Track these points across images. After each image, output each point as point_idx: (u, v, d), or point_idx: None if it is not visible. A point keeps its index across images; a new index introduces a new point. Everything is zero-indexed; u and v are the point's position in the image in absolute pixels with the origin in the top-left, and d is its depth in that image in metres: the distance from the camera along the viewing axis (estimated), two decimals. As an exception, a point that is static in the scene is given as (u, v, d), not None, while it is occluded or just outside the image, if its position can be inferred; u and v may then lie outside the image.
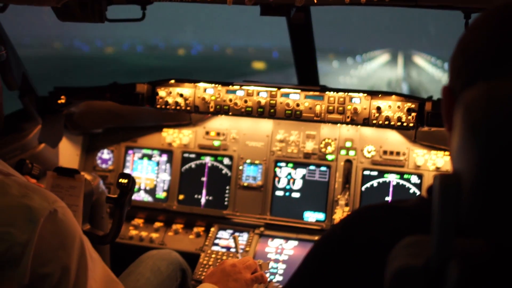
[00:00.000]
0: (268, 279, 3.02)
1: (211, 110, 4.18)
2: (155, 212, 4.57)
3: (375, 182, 4.21)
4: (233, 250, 4.18)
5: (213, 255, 4.13)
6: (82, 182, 3.17)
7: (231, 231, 4.33)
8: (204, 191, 4.50)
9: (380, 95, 3.91)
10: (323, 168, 4.31)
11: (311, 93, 4.02)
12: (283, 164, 4.39)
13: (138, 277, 3.30)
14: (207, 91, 4.18)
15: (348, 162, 4.25)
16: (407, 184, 4.14)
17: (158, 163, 4.63)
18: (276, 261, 4.07)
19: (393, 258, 1.13)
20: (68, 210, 1.77)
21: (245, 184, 4.41)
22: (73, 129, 4.52)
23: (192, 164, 4.55)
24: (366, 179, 4.23)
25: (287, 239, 4.20)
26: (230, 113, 4.16)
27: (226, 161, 4.49)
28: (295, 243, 4.18)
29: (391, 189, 4.18)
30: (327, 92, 4.00)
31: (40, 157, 4.06)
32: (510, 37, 1.16)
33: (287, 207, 4.34)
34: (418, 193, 4.11)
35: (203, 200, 4.50)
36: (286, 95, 4.06)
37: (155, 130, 4.64)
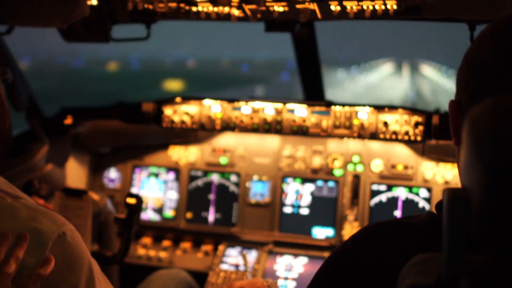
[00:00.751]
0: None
1: (218, 127, 4.19)
2: (163, 231, 4.55)
3: (383, 197, 4.18)
4: (242, 268, 4.15)
5: (222, 274, 4.10)
6: (90, 202, 3.17)
7: (239, 249, 4.30)
8: (211, 209, 4.49)
9: (386, 109, 3.90)
10: (331, 184, 4.29)
11: (317, 108, 4.02)
12: (290, 180, 4.37)
13: None
14: (213, 109, 4.18)
15: (356, 177, 4.23)
16: (416, 198, 4.11)
17: (165, 182, 4.62)
18: (286, 278, 4.04)
19: (404, 276, 1.12)
20: (76, 232, 1.77)
21: (253, 201, 4.39)
22: (80, 149, 4.53)
23: (199, 182, 4.54)
24: (374, 193, 4.20)
25: (296, 256, 4.17)
26: (236, 130, 4.16)
27: (234, 178, 4.48)
28: (305, 260, 4.14)
29: (400, 203, 4.15)
30: (333, 107, 3.99)
31: (47, 178, 4.06)
32: (507, 53, 1.15)
33: (296, 224, 4.31)
34: (427, 207, 4.08)
35: (211, 218, 4.48)
36: (292, 111, 4.06)
37: (162, 148, 4.64)
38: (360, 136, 3.94)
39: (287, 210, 4.35)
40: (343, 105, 3.99)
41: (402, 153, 4.18)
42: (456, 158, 1.25)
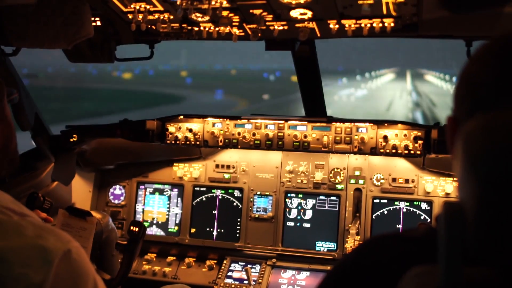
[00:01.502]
0: None
1: (220, 144, 4.24)
2: (168, 246, 4.59)
3: (385, 210, 4.22)
4: (246, 282, 4.18)
5: (226, 288, 4.14)
6: (94, 224, 3.18)
7: (243, 263, 4.34)
8: (215, 224, 4.54)
9: (386, 124, 3.95)
10: (333, 198, 4.33)
11: (318, 124, 4.07)
12: (293, 195, 4.42)
13: None
14: (216, 126, 4.24)
15: (358, 190, 4.27)
16: (417, 211, 4.15)
17: (169, 197, 4.67)
18: (289, 292, 4.08)
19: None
20: (81, 249, 1.79)
21: (256, 215, 4.43)
22: (85, 166, 4.59)
23: (203, 197, 4.60)
24: (376, 207, 4.24)
25: (299, 269, 4.21)
26: (239, 147, 4.22)
27: (237, 193, 4.53)
28: (307, 273, 4.18)
29: (401, 216, 4.18)
30: (333, 123, 4.04)
31: (53, 195, 4.11)
32: (509, 68, 1.19)
33: (299, 238, 4.35)
34: (428, 219, 4.12)
35: (215, 233, 4.53)
36: (294, 127, 4.11)
37: (166, 165, 4.70)
38: (361, 151, 3.99)
39: (290, 224, 4.39)
40: (344, 120, 4.04)
41: (402, 167, 4.22)
42: (453, 171, 1.27)
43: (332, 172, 4.34)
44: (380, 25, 3.00)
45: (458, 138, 1.15)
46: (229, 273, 4.30)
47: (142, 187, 4.75)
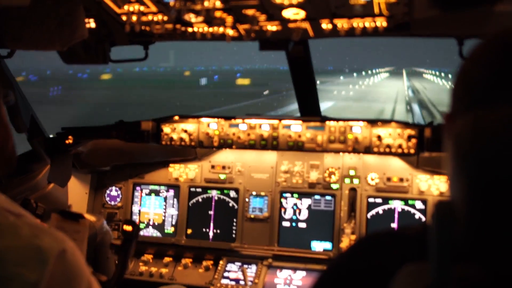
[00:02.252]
0: None
1: (215, 144, 4.26)
2: (164, 247, 4.61)
3: (380, 209, 4.24)
4: (242, 282, 4.20)
5: (223, 288, 4.16)
6: (86, 227, 3.19)
7: (239, 264, 4.36)
8: (211, 225, 4.55)
9: (379, 123, 3.97)
10: (328, 197, 4.35)
11: (312, 123, 4.09)
12: (288, 194, 4.44)
13: None
14: (211, 126, 4.26)
15: (353, 190, 4.29)
16: (412, 210, 4.17)
17: (165, 199, 4.69)
18: (285, 291, 4.09)
19: (394, 285, 1.16)
20: (76, 249, 1.80)
21: (252, 216, 4.45)
22: (81, 168, 4.60)
23: (199, 198, 4.61)
24: (371, 206, 4.26)
25: (295, 269, 4.23)
26: (234, 147, 4.23)
27: (232, 194, 4.55)
28: (303, 273, 4.20)
29: (396, 215, 4.21)
30: (327, 122, 4.06)
31: (49, 197, 4.13)
32: (500, 68, 1.19)
33: (294, 238, 4.37)
34: (423, 218, 4.14)
35: (211, 234, 4.54)
36: (288, 126, 4.13)
37: (162, 166, 4.71)
38: (355, 150, 4.01)
39: (286, 224, 4.41)
40: (337, 120, 4.06)
41: (397, 166, 4.25)
42: (445, 170, 1.29)
43: (327, 171, 4.36)
44: (373, 24, 3.03)
45: (449, 136, 1.17)
46: (226, 274, 4.31)
47: (138, 188, 4.76)
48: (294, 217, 4.40)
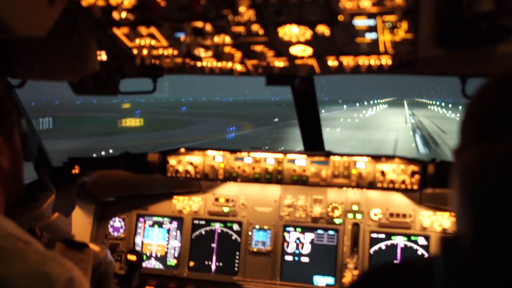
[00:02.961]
0: None
1: (220, 177, 4.29)
2: (166, 279, 4.60)
3: (383, 245, 4.25)
4: None
5: (224, 322, 4.14)
6: (91, 256, 3.21)
7: None
8: (214, 257, 4.55)
9: (383, 159, 4.01)
10: (331, 232, 4.36)
11: (316, 158, 4.13)
12: (291, 228, 4.45)
13: None
14: (216, 159, 4.30)
15: (356, 225, 4.31)
16: (415, 246, 4.18)
17: (168, 230, 4.70)
18: (287, 326, 4.07)
19: None
20: (83, 277, 1.82)
21: (255, 249, 4.46)
22: (85, 198, 4.62)
23: (202, 231, 4.62)
24: (374, 241, 4.27)
25: None
26: (239, 180, 4.26)
27: (236, 227, 4.56)
28: (306, 308, 4.18)
29: (399, 251, 4.21)
30: (332, 157, 4.10)
31: (53, 226, 4.14)
32: (506, 104, 1.22)
33: (297, 272, 4.37)
34: (426, 254, 4.14)
35: (213, 267, 4.54)
36: (292, 161, 4.17)
37: (166, 198, 4.74)
38: (359, 186, 4.04)
39: (288, 258, 4.41)
40: (342, 155, 4.11)
41: (400, 202, 4.27)
42: (451, 203, 1.32)
43: (330, 206, 4.38)
44: (378, 62, 3.09)
45: (455, 170, 1.19)
46: (227, 307, 4.30)
47: (141, 219, 4.77)
48: (297, 251, 4.40)
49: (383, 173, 3.97)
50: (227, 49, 3.13)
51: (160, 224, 4.73)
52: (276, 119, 59.40)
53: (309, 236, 4.40)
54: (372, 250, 4.26)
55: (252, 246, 4.47)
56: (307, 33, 2.81)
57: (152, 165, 4.30)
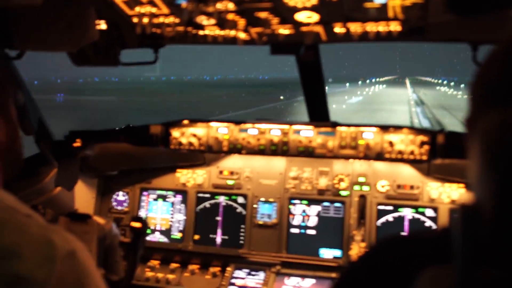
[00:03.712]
0: None
1: (225, 149, 4.22)
2: (171, 253, 4.56)
3: (390, 217, 4.19)
4: None
5: (230, 295, 4.11)
6: (95, 227, 3.20)
7: (247, 270, 4.31)
8: (219, 231, 4.51)
9: (391, 129, 3.93)
10: (337, 204, 4.31)
11: (323, 129, 4.05)
12: (297, 201, 4.39)
13: None
14: (220, 131, 4.22)
15: (362, 197, 4.25)
16: (422, 218, 4.12)
17: (172, 204, 4.65)
18: (294, 299, 4.04)
19: None
20: (86, 251, 1.77)
21: (260, 222, 4.41)
22: (88, 172, 4.56)
23: (207, 204, 4.57)
24: (381, 214, 4.21)
25: (304, 277, 4.17)
26: (243, 152, 4.19)
27: (241, 200, 4.50)
28: (313, 280, 4.15)
29: (406, 223, 4.16)
30: (338, 128, 4.03)
31: (56, 201, 4.10)
32: None
33: (303, 245, 4.32)
34: (434, 226, 4.09)
35: (218, 240, 4.50)
36: (298, 132, 4.09)
37: (169, 171, 4.68)
38: (366, 157, 3.97)
39: (294, 231, 4.36)
40: (349, 125, 4.03)
41: (407, 173, 4.20)
42: (467, 172, 1.27)
43: (336, 178, 4.32)
44: (386, 28, 2.99)
45: (474, 137, 1.15)
46: (233, 280, 4.26)
47: (145, 193, 4.72)
48: (303, 224, 4.35)
49: (391, 143, 3.89)
50: (230, 16, 3.03)
51: (164, 198, 4.67)
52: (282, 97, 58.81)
53: (315, 208, 4.35)
54: (379, 222, 4.20)
55: (257, 219, 4.42)
56: (313, -2, 2.71)
57: (155, 137, 4.23)
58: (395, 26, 2.97)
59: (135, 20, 3.15)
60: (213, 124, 4.25)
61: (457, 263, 1.05)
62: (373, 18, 2.92)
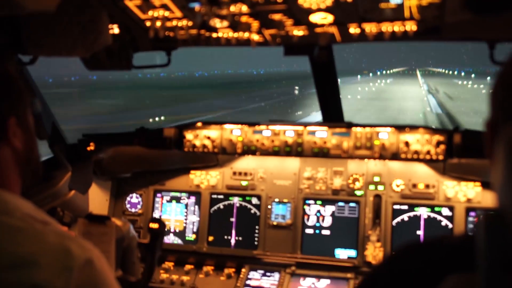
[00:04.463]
0: None
1: (239, 151, 4.21)
2: (185, 255, 4.56)
3: (405, 216, 4.16)
4: None
5: (245, 297, 4.10)
6: (113, 228, 3.20)
7: (262, 272, 4.29)
8: (233, 232, 4.49)
9: (407, 129, 3.89)
10: (352, 204, 4.28)
11: (337, 129, 4.02)
12: (311, 201, 4.37)
13: None
14: (234, 132, 4.20)
15: (377, 197, 4.22)
16: (438, 217, 4.09)
17: (186, 205, 4.64)
18: (310, 300, 4.02)
19: None
20: (103, 259, 1.77)
21: (274, 223, 4.39)
22: (102, 174, 4.56)
23: (221, 205, 4.56)
24: (396, 213, 4.18)
25: (319, 277, 4.15)
26: (257, 153, 4.17)
27: (255, 200, 4.49)
28: (328, 281, 4.12)
29: (422, 222, 4.12)
30: (353, 128, 4.00)
31: (70, 204, 4.10)
32: None
33: (318, 245, 4.30)
34: (450, 225, 4.05)
35: (232, 241, 4.48)
36: (313, 133, 4.06)
37: (183, 173, 4.67)
38: (382, 157, 3.94)
39: (309, 231, 4.34)
40: (364, 126, 3.99)
41: (423, 173, 4.16)
42: (491, 176, 1.24)
43: (351, 178, 4.29)
44: (402, 28, 2.96)
45: (499, 143, 1.12)
46: (248, 282, 4.25)
47: (159, 195, 4.72)
48: (318, 224, 4.33)
49: (407, 143, 3.85)
50: (244, 19, 3.01)
51: (177, 199, 4.67)
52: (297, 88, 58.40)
53: (330, 208, 4.32)
54: (394, 222, 4.17)
55: (271, 219, 4.40)
56: (328, 0, 2.67)
57: (169, 140, 4.22)
58: (410, 26, 2.93)
59: (148, 24, 3.13)
60: (226, 126, 4.23)
61: (482, 270, 1.03)
62: (388, 18, 2.88)
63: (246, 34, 3.24)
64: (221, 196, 4.56)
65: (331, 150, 4.02)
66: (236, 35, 3.26)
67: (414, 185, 4.16)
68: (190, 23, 3.12)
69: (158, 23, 3.08)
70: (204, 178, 4.60)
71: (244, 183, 4.51)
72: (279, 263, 4.30)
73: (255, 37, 3.27)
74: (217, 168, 4.60)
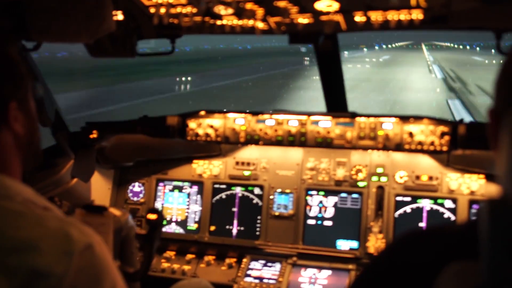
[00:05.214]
0: None
1: (242, 140, 4.19)
2: (187, 244, 4.55)
3: (408, 208, 4.15)
4: (265, 281, 4.14)
5: (246, 287, 4.09)
6: (111, 218, 3.19)
7: (263, 262, 4.29)
8: (235, 222, 4.49)
9: (411, 120, 3.88)
10: (355, 195, 4.27)
11: (341, 119, 4.01)
12: (314, 192, 4.36)
13: None
14: (237, 121, 4.19)
15: (380, 188, 4.20)
16: (441, 209, 4.08)
17: (188, 195, 4.63)
18: (311, 291, 4.02)
19: (440, 285, 1.10)
20: (103, 245, 1.77)
21: (277, 213, 4.38)
22: (104, 163, 4.55)
23: (223, 195, 4.55)
24: (399, 205, 4.17)
25: (320, 268, 4.15)
26: (260, 143, 4.16)
27: (257, 190, 4.48)
28: (329, 272, 4.12)
29: (424, 214, 4.11)
30: (357, 118, 3.98)
31: (72, 192, 4.10)
32: None
33: (320, 236, 4.29)
34: (453, 217, 4.04)
35: (234, 231, 4.48)
36: (316, 122, 4.05)
37: (186, 162, 4.66)
38: (385, 147, 3.92)
39: (311, 222, 4.33)
40: (368, 116, 3.98)
41: (426, 164, 4.15)
42: (495, 165, 1.24)
43: (354, 169, 4.27)
44: (408, 17, 2.93)
45: (503, 130, 1.11)
46: (249, 272, 4.24)
47: (161, 184, 4.71)
48: (320, 215, 4.32)
49: (411, 134, 3.84)
50: (248, 6, 2.99)
51: (180, 189, 4.66)
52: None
53: (332, 199, 4.31)
54: (397, 213, 4.16)
55: (273, 210, 4.39)
56: (335, -13, 2.66)
57: (172, 128, 4.20)
58: (417, 14, 2.91)
59: (152, 10, 3.11)
60: (230, 115, 4.22)
61: (484, 258, 1.02)
62: (394, 7, 2.86)
63: (251, 22, 3.22)
64: (224, 186, 4.55)
65: (335, 140, 4.01)
66: (240, 22, 3.24)
67: (418, 177, 4.15)
68: (194, 10, 3.10)
69: (163, 10, 3.06)
70: (207, 168, 4.59)
71: (246, 173, 4.50)
72: (281, 253, 4.30)
73: (260, 24, 3.25)
74: (219, 158, 4.59)
